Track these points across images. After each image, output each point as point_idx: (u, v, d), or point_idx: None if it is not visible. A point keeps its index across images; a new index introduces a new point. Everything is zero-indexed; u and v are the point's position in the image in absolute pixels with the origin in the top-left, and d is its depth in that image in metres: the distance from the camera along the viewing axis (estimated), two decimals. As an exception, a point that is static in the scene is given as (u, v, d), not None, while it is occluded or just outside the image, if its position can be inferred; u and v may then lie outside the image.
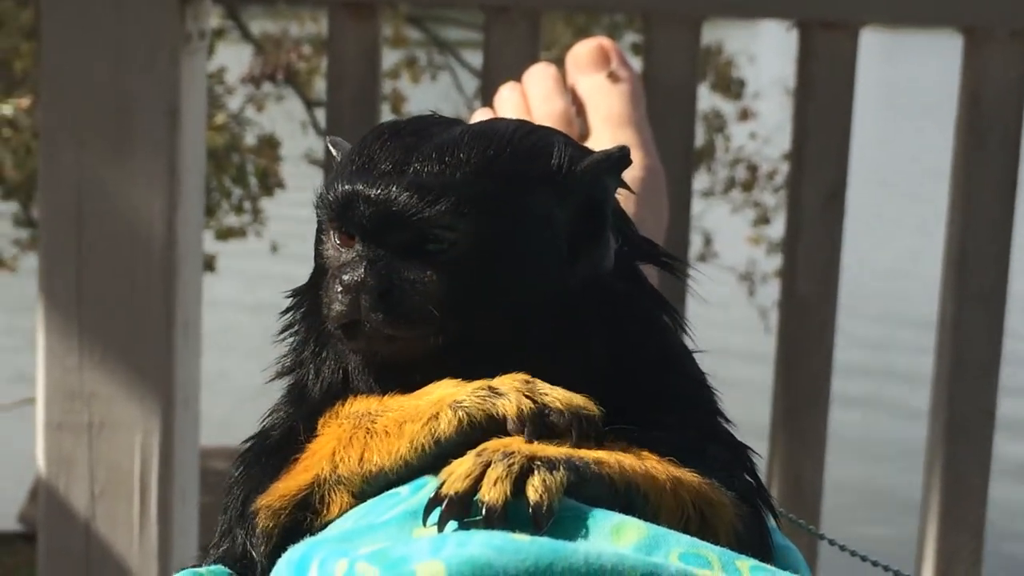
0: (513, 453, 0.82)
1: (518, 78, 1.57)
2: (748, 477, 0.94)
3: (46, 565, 2.23)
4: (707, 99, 9.18)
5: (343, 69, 2.22)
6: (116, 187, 2.16)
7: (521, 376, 0.88)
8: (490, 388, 0.87)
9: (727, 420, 0.98)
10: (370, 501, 0.87)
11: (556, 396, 0.86)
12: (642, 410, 0.91)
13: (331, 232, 0.95)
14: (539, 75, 1.53)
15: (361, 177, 0.92)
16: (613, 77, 1.53)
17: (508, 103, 1.53)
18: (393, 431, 0.88)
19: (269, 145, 8.20)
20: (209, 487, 2.80)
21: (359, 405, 0.91)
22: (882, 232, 14.01)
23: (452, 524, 0.80)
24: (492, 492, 0.80)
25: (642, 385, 0.94)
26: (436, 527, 0.80)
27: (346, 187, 0.92)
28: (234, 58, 9.07)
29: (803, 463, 2.32)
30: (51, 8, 2.14)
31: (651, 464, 0.86)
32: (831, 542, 1.14)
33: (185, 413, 2.25)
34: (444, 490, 0.81)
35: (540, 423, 0.85)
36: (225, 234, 8.22)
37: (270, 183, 8.19)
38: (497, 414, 0.86)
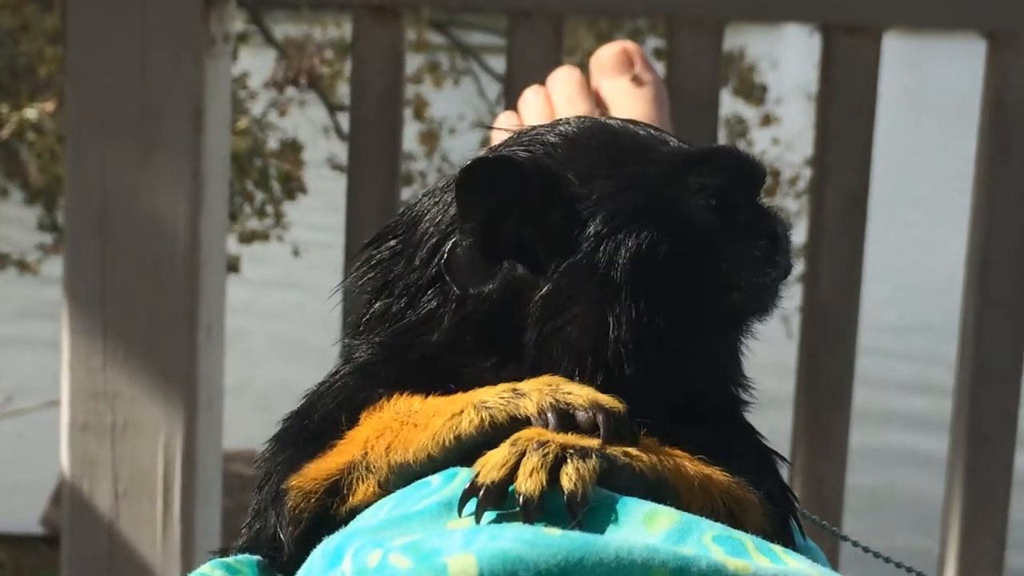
0: (548, 443, 0.82)
1: (541, 82, 1.58)
2: (775, 481, 0.95)
3: (70, 564, 2.24)
4: (729, 104, 9.17)
5: (367, 72, 2.23)
6: (141, 189, 2.17)
7: (546, 378, 0.89)
8: (514, 390, 0.87)
9: (752, 427, 0.99)
10: (401, 491, 0.87)
11: (580, 394, 0.86)
12: (672, 413, 0.92)
13: (702, 196, 0.96)
14: (563, 79, 1.54)
15: (723, 144, 0.98)
16: (637, 80, 1.53)
17: (532, 106, 1.53)
18: (422, 424, 0.89)
19: (292, 150, 8.21)
20: (231, 491, 2.82)
21: (403, 401, 0.92)
22: (905, 237, 13.97)
23: (488, 515, 0.81)
24: (528, 483, 0.80)
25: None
26: (472, 518, 0.81)
27: (743, 154, 0.99)
28: (257, 63, 9.09)
29: (825, 468, 2.32)
30: (76, 11, 2.16)
31: (680, 460, 0.87)
32: (855, 543, 1.14)
33: (208, 414, 2.26)
34: (479, 479, 0.81)
35: (562, 417, 0.85)
36: (248, 238, 8.25)
37: (292, 187, 8.21)
38: (519, 415, 0.86)
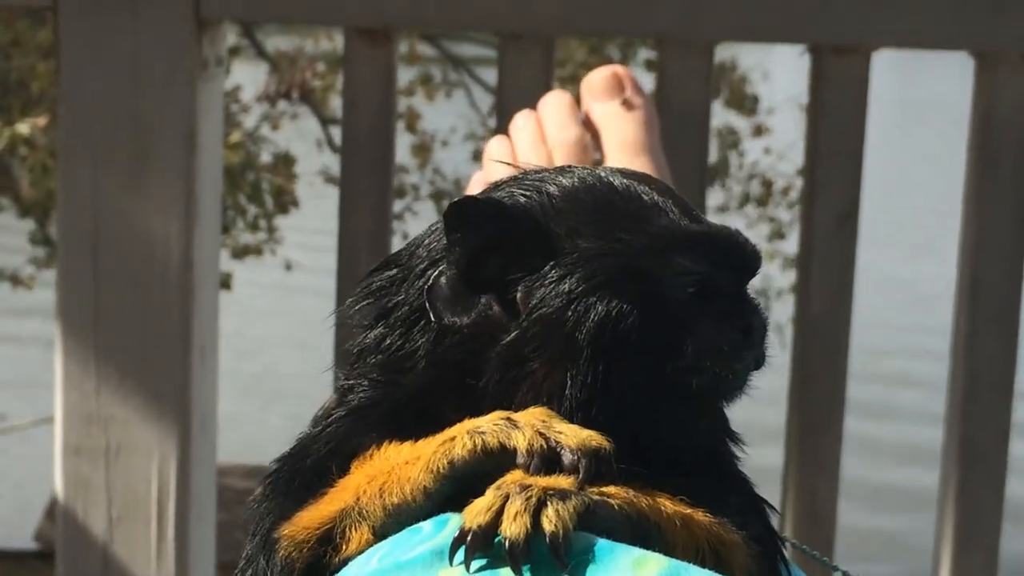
0: (530, 486, 0.83)
1: (533, 102, 1.58)
2: (763, 525, 0.95)
3: (64, 588, 2.24)
4: (721, 115, 9.18)
5: (358, 93, 2.23)
6: (133, 210, 2.17)
7: (542, 411, 0.89)
8: (508, 419, 0.88)
9: (742, 474, 0.99)
10: (392, 538, 0.87)
11: (569, 432, 0.87)
12: (659, 454, 0.92)
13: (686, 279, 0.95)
14: (554, 103, 1.54)
15: (724, 226, 0.98)
16: (627, 104, 1.54)
17: (524, 131, 1.53)
18: (412, 460, 0.89)
19: (284, 163, 8.22)
20: (226, 504, 2.82)
21: (392, 448, 0.92)
22: (896, 251, 13.98)
23: (478, 562, 0.81)
24: (513, 527, 0.81)
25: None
26: (463, 566, 0.81)
27: (737, 241, 0.97)
28: (249, 76, 9.10)
29: (817, 481, 2.32)
30: (69, 31, 2.16)
31: (660, 500, 0.87)
32: (845, 574, 1.14)
33: (202, 436, 2.26)
34: (466, 525, 0.82)
35: (547, 459, 0.86)
36: (241, 252, 8.25)
37: (285, 201, 8.21)
38: (509, 445, 0.87)
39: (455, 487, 0.87)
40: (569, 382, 0.92)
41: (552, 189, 0.97)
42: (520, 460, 0.86)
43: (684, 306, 0.94)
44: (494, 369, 0.93)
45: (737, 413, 1.01)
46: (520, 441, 0.86)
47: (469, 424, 0.88)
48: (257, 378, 10.04)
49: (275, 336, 11.08)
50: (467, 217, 0.95)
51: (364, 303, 1.01)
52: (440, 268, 0.96)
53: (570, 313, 0.93)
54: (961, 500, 2.30)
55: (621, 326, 0.92)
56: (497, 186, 1.01)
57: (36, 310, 9.34)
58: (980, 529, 2.30)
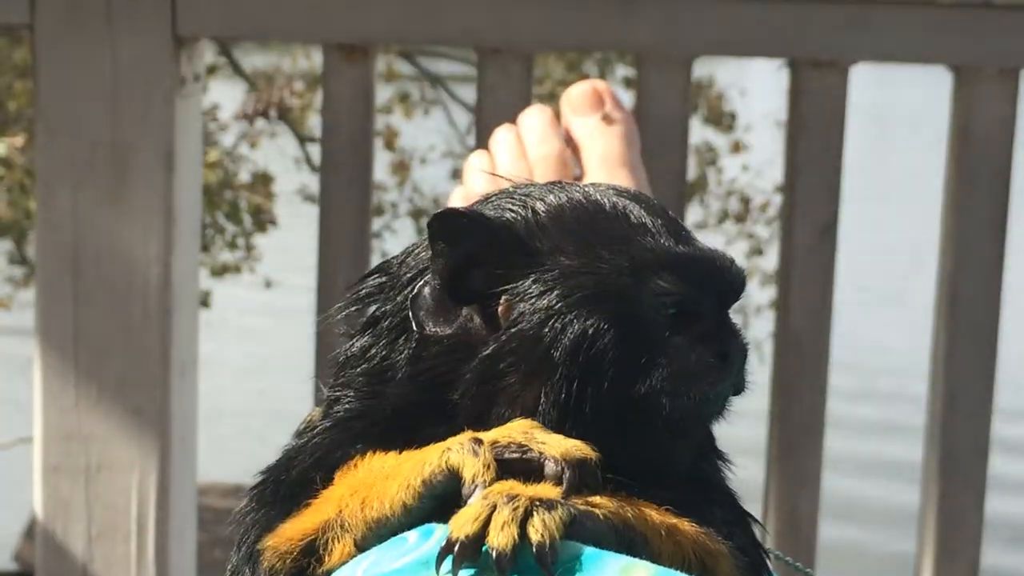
0: (517, 496, 0.83)
1: (512, 118, 1.59)
2: (747, 536, 0.95)
3: (44, 608, 2.22)
4: (699, 132, 9.20)
5: (337, 109, 2.23)
6: (112, 229, 2.17)
7: (527, 423, 0.90)
8: (474, 439, 0.88)
9: (727, 488, 1.00)
10: (377, 548, 0.88)
11: (553, 444, 0.87)
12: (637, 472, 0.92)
13: (664, 297, 0.95)
14: (534, 118, 1.55)
15: (710, 249, 0.97)
16: (607, 119, 1.54)
17: (504, 144, 1.54)
18: (392, 475, 0.89)
19: (262, 182, 8.21)
20: (205, 524, 2.81)
21: (376, 459, 0.93)
22: (874, 262, 14.01)
23: (465, 572, 0.81)
24: (500, 537, 0.81)
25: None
26: (450, 575, 0.81)
27: (720, 265, 0.97)
28: (227, 95, 9.09)
29: (799, 497, 2.32)
30: (46, 50, 2.16)
31: (646, 510, 0.88)
32: (828, 584, 1.15)
33: (182, 453, 2.25)
34: (453, 535, 0.82)
35: (524, 465, 0.86)
36: (220, 271, 8.23)
37: (263, 220, 8.20)
38: (460, 472, 0.87)
39: (435, 503, 0.87)
40: (543, 398, 0.92)
41: (539, 205, 0.97)
42: (464, 490, 0.86)
43: (660, 328, 0.94)
44: (471, 382, 0.94)
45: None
46: (468, 467, 0.86)
47: (444, 444, 0.89)
48: (257, 398, 10.02)
49: (265, 355, 11.06)
50: (451, 228, 0.95)
51: (351, 309, 1.01)
52: (426, 278, 0.97)
53: (547, 329, 0.93)
54: (941, 514, 2.30)
55: (596, 345, 0.92)
56: (487, 199, 1.01)
57: (14, 330, 9.30)
58: (961, 542, 2.30)
